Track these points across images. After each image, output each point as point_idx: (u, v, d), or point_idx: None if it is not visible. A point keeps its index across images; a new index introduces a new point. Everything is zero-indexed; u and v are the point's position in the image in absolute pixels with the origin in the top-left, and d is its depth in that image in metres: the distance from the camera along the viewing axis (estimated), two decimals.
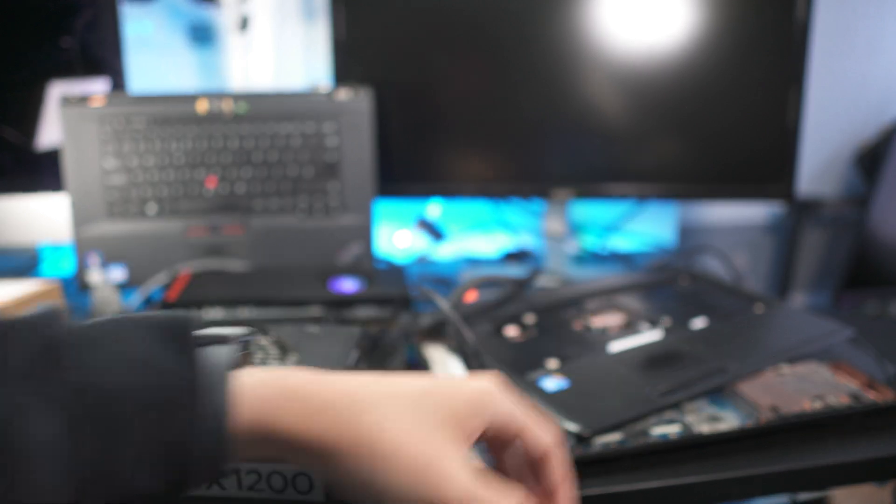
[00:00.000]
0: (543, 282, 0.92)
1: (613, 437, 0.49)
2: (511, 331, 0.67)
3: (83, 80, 0.92)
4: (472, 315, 0.67)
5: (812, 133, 1.38)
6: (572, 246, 1.16)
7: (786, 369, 0.59)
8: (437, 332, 0.68)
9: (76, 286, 0.87)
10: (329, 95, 0.91)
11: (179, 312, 0.33)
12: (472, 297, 0.73)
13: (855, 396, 0.55)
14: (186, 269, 0.84)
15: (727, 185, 0.99)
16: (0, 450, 0.27)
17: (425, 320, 0.64)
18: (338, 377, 0.33)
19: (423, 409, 0.32)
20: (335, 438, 0.31)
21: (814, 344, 0.62)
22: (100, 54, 0.92)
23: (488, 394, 0.34)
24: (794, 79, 0.94)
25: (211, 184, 0.89)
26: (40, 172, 0.93)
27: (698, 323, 0.68)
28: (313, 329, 0.54)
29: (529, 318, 0.68)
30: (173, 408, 0.30)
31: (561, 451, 0.35)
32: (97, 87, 0.93)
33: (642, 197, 1.00)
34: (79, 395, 0.29)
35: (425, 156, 1.00)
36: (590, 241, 1.21)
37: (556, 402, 0.51)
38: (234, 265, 0.87)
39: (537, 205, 1.18)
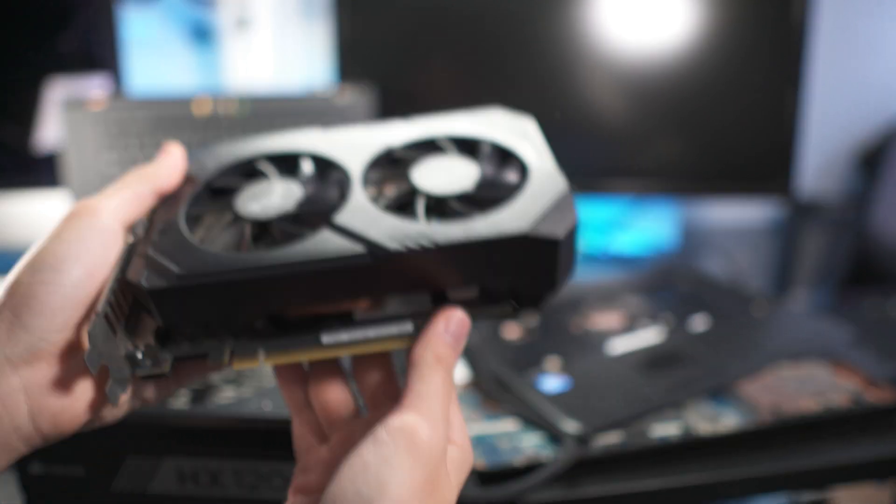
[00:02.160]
0: None
1: (613, 438, 0.49)
2: (511, 331, 0.67)
3: (82, 79, 0.92)
4: None
5: (812, 133, 1.38)
6: None
7: (786, 369, 0.59)
8: None
9: None
10: (329, 96, 0.91)
11: None
12: None
13: (855, 396, 0.55)
14: None
15: (727, 183, 0.99)
16: None
17: None
18: None
19: None
20: None
21: (814, 344, 0.62)
22: (99, 54, 0.92)
23: None
24: (794, 78, 0.94)
25: None
26: (39, 171, 0.93)
27: (698, 323, 0.68)
28: None
29: (529, 318, 0.68)
30: None
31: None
32: (96, 87, 0.93)
33: (642, 193, 1.00)
34: None
35: None
36: (590, 241, 1.21)
37: (556, 402, 0.51)
38: None
39: None
